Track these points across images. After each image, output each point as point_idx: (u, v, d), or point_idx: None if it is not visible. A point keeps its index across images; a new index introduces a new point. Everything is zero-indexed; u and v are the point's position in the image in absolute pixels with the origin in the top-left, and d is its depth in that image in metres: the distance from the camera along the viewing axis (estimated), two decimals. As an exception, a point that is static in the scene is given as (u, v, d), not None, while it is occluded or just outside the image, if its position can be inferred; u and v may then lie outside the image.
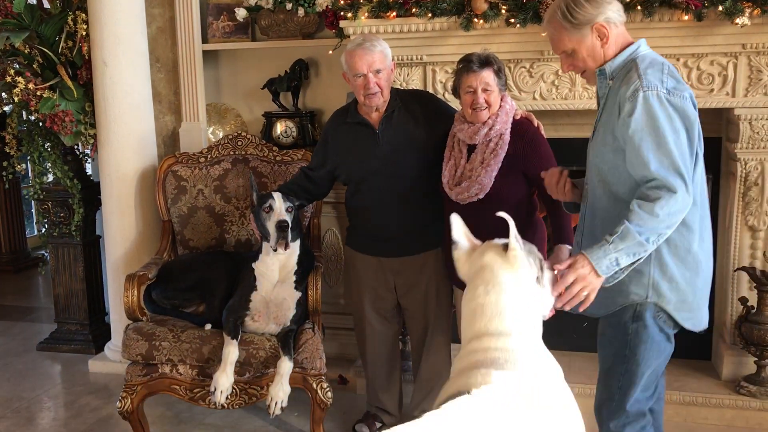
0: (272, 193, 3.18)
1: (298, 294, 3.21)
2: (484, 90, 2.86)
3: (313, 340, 3.16)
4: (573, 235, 2.86)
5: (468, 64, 2.88)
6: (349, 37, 3.64)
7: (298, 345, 3.14)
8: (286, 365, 3.06)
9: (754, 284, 3.37)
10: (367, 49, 2.97)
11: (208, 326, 3.22)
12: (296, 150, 3.92)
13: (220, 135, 4.44)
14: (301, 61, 4.24)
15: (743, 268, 3.40)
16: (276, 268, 3.20)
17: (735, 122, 3.36)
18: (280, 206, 3.10)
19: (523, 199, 2.96)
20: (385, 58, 3.02)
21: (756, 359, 3.39)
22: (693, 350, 3.78)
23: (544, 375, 1.82)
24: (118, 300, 4.08)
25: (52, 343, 4.54)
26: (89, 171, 4.69)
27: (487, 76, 2.86)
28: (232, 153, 3.87)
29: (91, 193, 4.40)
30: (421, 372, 3.30)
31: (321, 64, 4.30)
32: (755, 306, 3.39)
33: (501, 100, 2.94)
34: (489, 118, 2.90)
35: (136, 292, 3.21)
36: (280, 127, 4.26)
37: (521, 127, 2.95)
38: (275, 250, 3.11)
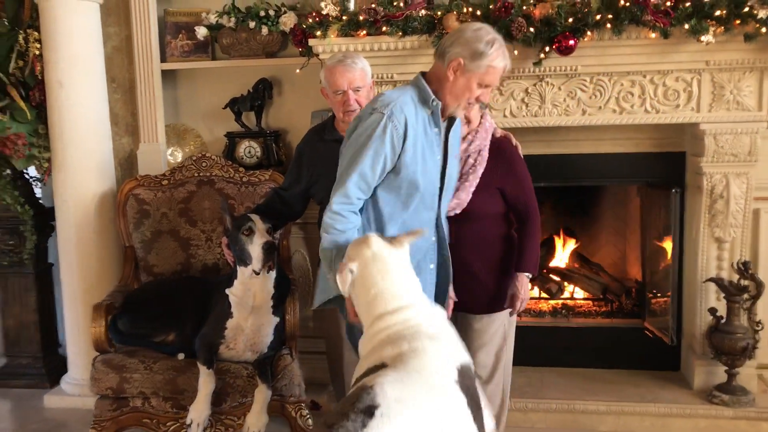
0: (249, 215, 3.08)
1: (276, 319, 3.12)
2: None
3: (292, 367, 3.08)
4: (536, 262, 2.89)
5: None
6: (317, 55, 3.59)
7: (276, 371, 3.05)
8: (264, 393, 2.96)
9: (723, 295, 3.44)
10: (348, 66, 2.94)
11: (181, 356, 3.10)
12: (263, 170, 3.83)
13: (180, 157, 4.31)
14: (264, 80, 4.16)
15: (712, 279, 3.47)
16: (252, 294, 3.10)
17: (700, 137, 3.44)
18: (261, 228, 3.01)
19: (498, 215, 2.96)
20: (365, 76, 2.99)
21: (727, 368, 3.46)
22: (662, 362, 3.84)
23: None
24: (76, 331, 3.90)
25: (2, 378, 4.30)
26: (39, 196, 4.49)
27: None
28: (196, 175, 3.75)
29: (43, 219, 4.21)
30: None
31: (284, 83, 4.24)
32: (724, 316, 3.45)
33: (481, 117, 2.94)
34: (468, 134, 2.90)
35: (103, 322, 3.07)
36: (242, 148, 4.17)
37: (500, 146, 2.95)
38: (257, 273, 3.01)
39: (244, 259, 3.04)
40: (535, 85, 3.50)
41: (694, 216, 3.60)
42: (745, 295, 3.38)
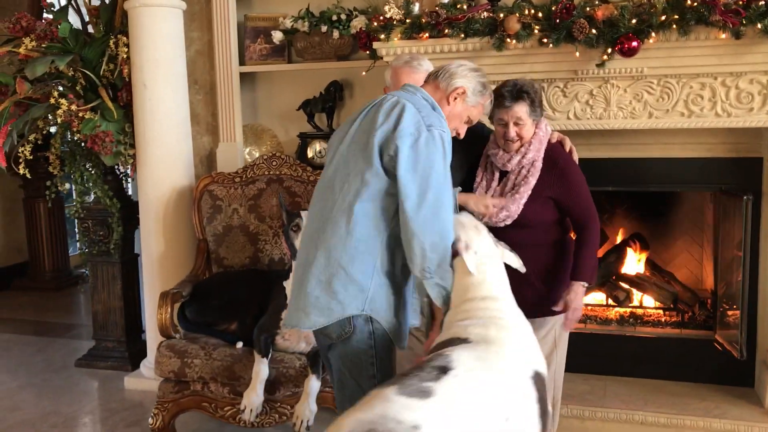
0: (299, 212, 3.20)
1: (328, 312, 3.20)
2: (516, 124, 2.83)
3: (343, 360, 3.15)
4: (592, 271, 2.84)
5: (500, 99, 2.82)
6: (382, 58, 3.67)
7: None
8: (313, 384, 3.06)
9: (797, 310, 3.27)
10: (414, 68, 2.98)
11: (240, 344, 3.24)
12: (330, 170, 3.94)
13: (257, 155, 4.49)
14: (335, 83, 4.28)
15: (784, 293, 3.30)
16: (306, 287, 3.21)
17: (777, 142, 3.29)
18: None
19: (552, 223, 2.93)
20: None
21: (801, 387, 3.28)
22: (733, 377, 3.68)
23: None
24: (154, 318, 4.14)
25: (89, 359, 4.62)
26: (129, 191, 4.79)
27: (520, 110, 2.81)
28: (266, 173, 3.91)
29: (130, 212, 4.48)
30: None
31: (355, 85, 4.34)
32: (798, 332, 3.28)
33: (536, 126, 2.91)
34: (522, 146, 2.88)
35: (169, 309, 3.25)
36: (314, 148, 4.30)
37: (554, 154, 2.91)
38: None
39: (294, 252, 3.16)
40: (600, 87, 3.43)
41: (764, 225, 3.44)
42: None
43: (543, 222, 2.91)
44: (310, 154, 4.29)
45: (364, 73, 3.94)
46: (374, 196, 2.29)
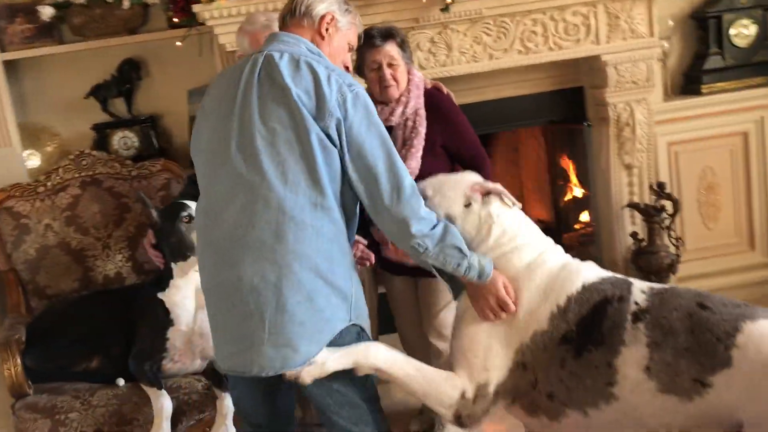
0: (181, 201, 2.71)
1: (224, 319, 2.76)
2: (390, 65, 2.71)
3: (251, 368, 2.75)
4: None
5: (370, 39, 2.67)
6: (203, 23, 3.21)
7: (234, 377, 2.72)
8: (228, 404, 2.63)
9: (643, 218, 3.57)
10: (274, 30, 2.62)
11: (121, 381, 2.67)
12: (152, 161, 3.40)
13: (39, 160, 3.72)
14: (130, 61, 3.68)
15: (631, 205, 3.59)
16: (192, 293, 2.73)
17: (602, 69, 3.52)
18: None
19: None
20: None
21: (654, 287, 3.61)
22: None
23: None
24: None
25: None
26: None
27: (391, 49, 2.71)
28: (77, 176, 3.25)
29: None
30: None
31: (151, 63, 3.77)
32: (646, 238, 3.59)
33: (408, 73, 2.78)
34: (401, 95, 2.73)
35: (18, 361, 2.56)
36: (116, 139, 3.68)
37: (434, 99, 2.82)
38: None
39: (183, 251, 2.67)
40: (440, 33, 3.38)
41: (602, 147, 3.70)
42: (663, 215, 3.53)
43: None
44: (114, 145, 3.66)
45: (179, 43, 3.43)
46: (332, 179, 1.91)
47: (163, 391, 2.58)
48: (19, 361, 2.57)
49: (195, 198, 2.73)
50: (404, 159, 2.69)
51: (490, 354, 1.99)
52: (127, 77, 3.67)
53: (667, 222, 3.55)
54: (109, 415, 2.56)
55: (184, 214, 2.68)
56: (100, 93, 3.66)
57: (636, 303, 1.92)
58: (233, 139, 1.91)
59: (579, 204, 3.91)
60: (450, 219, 2.04)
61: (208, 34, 3.47)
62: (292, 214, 1.85)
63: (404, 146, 2.74)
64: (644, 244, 3.59)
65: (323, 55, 2.03)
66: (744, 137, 3.85)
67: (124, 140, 3.67)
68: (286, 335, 1.85)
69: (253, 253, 1.86)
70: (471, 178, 2.20)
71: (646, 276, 3.58)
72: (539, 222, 4.08)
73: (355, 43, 2.23)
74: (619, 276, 2.05)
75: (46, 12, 3.51)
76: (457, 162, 2.83)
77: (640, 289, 1.97)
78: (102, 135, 3.68)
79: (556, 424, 1.99)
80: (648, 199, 3.66)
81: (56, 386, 2.69)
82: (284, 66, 1.92)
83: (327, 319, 1.89)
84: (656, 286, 2.01)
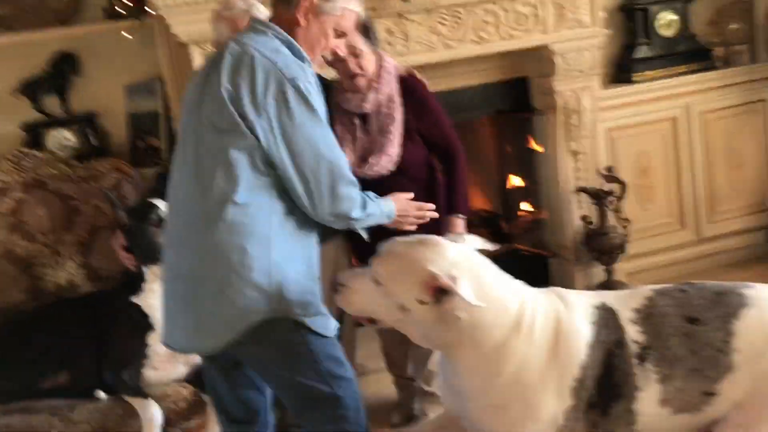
0: (150, 201, 2.54)
1: (207, 319, 2.62)
2: (354, 55, 2.63)
3: (238, 369, 2.63)
4: (467, 202, 2.82)
5: None
6: (155, 12, 3.05)
7: (222, 380, 2.58)
8: (220, 408, 2.50)
9: (593, 201, 3.71)
10: (256, 16, 2.51)
11: (101, 394, 2.48)
12: (101, 160, 3.19)
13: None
14: (64, 54, 3.42)
15: (582, 189, 3.72)
16: (170, 296, 2.57)
17: (550, 58, 3.62)
18: None
19: (425, 162, 2.82)
20: None
21: (605, 267, 3.75)
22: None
23: None
24: None
25: None
26: None
27: (352, 39, 2.59)
28: (19, 178, 3.00)
29: None
30: None
31: (84, 57, 3.52)
32: (596, 221, 3.73)
33: (381, 59, 2.74)
34: (372, 82, 2.69)
35: (-13, 380, 2.32)
36: (52, 139, 3.41)
37: (409, 85, 2.80)
38: None
39: (155, 254, 2.50)
40: (396, 23, 3.37)
41: (549, 135, 3.81)
42: (611, 198, 3.67)
43: (417, 162, 2.78)
44: (48, 146, 3.39)
45: (126, 34, 3.23)
46: (256, 176, 1.92)
47: (150, 400, 2.42)
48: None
49: (161, 195, 2.61)
50: (383, 146, 2.67)
51: None
52: (61, 72, 3.41)
53: (615, 204, 3.70)
54: (93, 431, 2.36)
55: (153, 216, 2.53)
56: (31, 89, 3.38)
57: (635, 342, 1.85)
58: (183, 131, 2.02)
59: (527, 192, 4.00)
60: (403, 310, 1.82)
61: (151, 25, 3.30)
62: (208, 208, 1.90)
63: (381, 133, 2.70)
64: (594, 226, 3.72)
65: (293, 43, 1.99)
66: (673, 122, 4.07)
67: (61, 140, 3.41)
68: (204, 322, 1.93)
69: (184, 243, 1.95)
70: (429, 256, 1.79)
71: (597, 256, 3.73)
72: (487, 212, 4.19)
73: (347, 28, 2.18)
74: (600, 304, 1.90)
75: (-32, 1, 3.21)
76: (431, 150, 2.82)
77: (628, 318, 1.88)
78: (35, 135, 3.40)
79: None
80: (593, 183, 3.80)
81: (25, 406, 2.46)
82: (228, 62, 1.91)
83: (239, 310, 1.90)
84: (635, 302, 1.90)
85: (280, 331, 1.94)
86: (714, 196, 4.20)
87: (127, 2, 3.11)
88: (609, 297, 1.94)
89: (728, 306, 1.88)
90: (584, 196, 3.78)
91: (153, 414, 2.38)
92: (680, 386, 1.84)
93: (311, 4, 1.99)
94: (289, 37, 1.99)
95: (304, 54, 2.00)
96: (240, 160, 1.87)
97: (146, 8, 3.07)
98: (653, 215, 4.09)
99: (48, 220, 2.96)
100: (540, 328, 1.81)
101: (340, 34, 2.15)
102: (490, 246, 1.98)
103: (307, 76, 1.94)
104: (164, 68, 3.43)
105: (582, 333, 1.83)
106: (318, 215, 1.96)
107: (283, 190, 1.94)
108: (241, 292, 1.88)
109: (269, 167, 1.90)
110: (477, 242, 1.95)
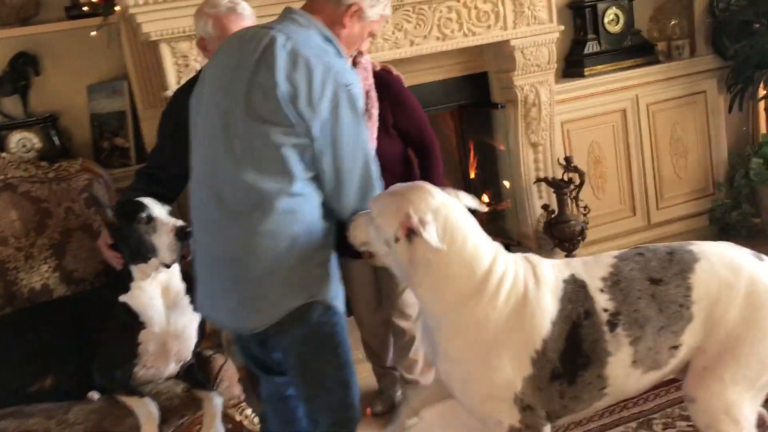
0: (137, 200, 2.52)
1: (197, 316, 2.63)
2: None
3: (229, 365, 2.65)
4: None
5: None
6: (125, 10, 3.02)
7: (214, 375, 2.60)
8: (216, 402, 2.50)
9: (553, 190, 3.86)
10: (240, 14, 2.57)
11: (96, 394, 2.45)
12: (70, 161, 3.13)
13: None
14: (24, 54, 3.35)
15: (542, 179, 3.87)
16: (159, 293, 2.57)
17: (510, 53, 3.75)
18: (161, 212, 2.49)
19: (401, 157, 2.89)
20: (254, 22, 2.62)
21: (566, 253, 3.91)
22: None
23: None
24: None
25: None
26: None
27: None
28: (-12, 181, 2.91)
29: None
30: None
31: (43, 56, 3.45)
32: (556, 209, 3.88)
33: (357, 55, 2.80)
34: None
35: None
36: (14, 141, 3.34)
37: (384, 80, 2.86)
38: (168, 266, 2.50)
39: (144, 253, 2.50)
40: (363, 20, 3.42)
41: (510, 128, 3.94)
42: (571, 187, 3.83)
43: (394, 157, 2.84)
44: (12, 148, 3.31)
45: (94, 33, 3.18)
46: (306, 170, 2.01)
47: (147, 398, 2.41)
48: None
49: (146, 192, 2.61)
50: None
51: (498, 409, 1.97)
52: (23, 73, 3.34)
53: (574, 193, 3.85)
54: (90, 432, 2.34)
55: (143, 215, 2.51)
56: (-9, 90, 3.30)
57: (605, 310, 1.94)
58: (222, 117, 2.00)
59: (488, 182, 4.12)
60: (388, 245, 1.97)
61: (116, 24, 3.27)
62: (263, 198, 1.96)
63: None
64: (554, 214, 3.87)
65: (334, 41, 2.06)
66: (623, 114, 4.27)
67: (24, 142, 3.34)
68: (250, 304, 2.03)
69: (228, 229, 2.00)
70: (412, 198, 1.93)
71: (559, 243, 3.88)
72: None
73: (377, 32, 2.29)
74: (569, 277, 1.99)
75: (-76, 1, 3.11)
76: (407, 144, 2.89)
77: (597, 288, 1.97)
78: (-5, 137, 3.32)
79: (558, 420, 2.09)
80: (552, 173, 3.95)
81: (15, 410, 2.41)
82: (282, 59, 1.94)
83: (284, 293, 2.01)
84: (603, 273, 2.00)
85: (315, 314, 2.03)
86: (661, 184, 4.42)
87: (93, 1, 3.04)
88: (578, 267, 2.03)
89: (682, 263, 2.02)
90: (544, 186, 3.92)
91: (151, 411, 2.37)
92: (650, 345, 1.97)
93: (359, 9, 2.07)
94: (332, 35, 2.06)
95: (342, 52, 2.08)
96: (292, 155, 1.95)
97: (115, 7, 3.02)
98: (606, 203, 4.28)
99: (20, 223, 2.89)
100: (505, 294, 1.91)
101: (372, 35, 2.26)
102: (480, 207, 2.11)
103: (357, 81, 2.03)
104: (130, 67, 3.39)
105: (547, 310, 1.93)
106: (341, 211, 2.05)
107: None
108: (287, 277, 1.99)
109: (314, 162, 1.98)
110: (469, 200, 2.07)
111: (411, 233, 1.87)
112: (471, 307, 1.91)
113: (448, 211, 1.92)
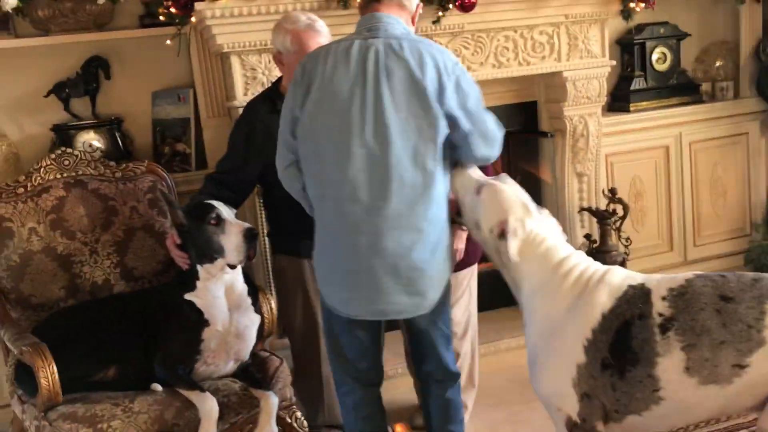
0: (208, 202, 2.63)
1: (259, 318, 2.72)
2: None
3: (284, 368, 2.73)
4: None
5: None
6: (200, 22, 3.15)
7: (269, 376, 2.68)
8: (273, 401, 2.59)
9: (597, 221, 3.92)
10: (318, 31, 2.68)
11: (158, 387, 2.53)
12: (136, 162, 3.24)
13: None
14: (98, 58, 3.48)
15: (586, 209, 3.94)
16: (223, 294, 2.66)
17: (562, 84, 3.84)
18: (230, 214, 2.60)
19: None
20: (329, 41, 2.74)
21: (606, 284, 3.95)
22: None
23: None
24: None
25: None
26: None
27: None
28: (60, 176, 3.03)
29: None
30: None
31: (113, 62, 3.58)
32: (598, 239, 3.94)
33: None
34: None
35: (54, 367, 2.36)
36: (80, 142, 3.46)
37: None
38: (234, 267, 2.60)
39: (211, 253, 2.60)
40: (423, 44, 3.53)
41: (557, 157, 4.02)
42: (614, 218, 3.90)
43: None
44: (77, 148, 3.42)
45: (169, 42, 3.30)
46: (445, 153, 2.30)
47: (207, 393, 2.49)
48: (55, 367, 2.36)
49: (214, 197, 2.71)
50: None
51: (559, 392, 2.18)
52: (94, 76, 3.47)
53: (617, 224, 3.92)
54: (152, 422, 2.41)
55: (212, 216, 2.61)
56: (64, 91, 3.43)
57: (660, 314, 2.05)
58: (368, 125, 2.20)
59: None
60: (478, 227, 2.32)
61: (185, 34, 3.39)
62: (421, 189, 2.23)
63: None
64: (596, 244, 3.93)
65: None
66: (666, 150, 4.35)
67: (90, 143, 3.46)
68: (418, 287, 2.27)
69: (390, 223, 2.20)
70: (515, 209, 2.24)
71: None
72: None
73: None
74: (638, 284, 2.15)
75: (10, 3, 3.24)
76: None
77: (660, 296, 2.09)
78: (64, 137, 3.44)
79: (618, 426, 2.18)
80: (595, 204, 4.02)
81: (82, 396, 2.50)
82: (410, 58, 2.18)
83: (444, 270, 2.35)
84: (674, 284, 2.10)
85: (448, 286, 2.42)
86: (699, 221, 4.48)
87: (171, 11, 3.16)
88: (654, 279, 2.18)
89: (764, 289, 2.07)
90: (587, 216, 3.99)
91: (212, 407, 2.44)
92: (707, 356, 2.02)
93: (420, 6, 2.44)
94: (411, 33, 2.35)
95: None
96: (439, 146, 2.23)
97: (191, 18, 3.15)
98: (644, 237, 4.34)
99: (87, 219, 2.99)
100: (568, 287, 2.19)
101: None
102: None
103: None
104: (196, 76, 3.51)
105: (599, 304, 2.13)
106: (487, 158, 2.41)
107: None
108: (443, 257, 2.32)
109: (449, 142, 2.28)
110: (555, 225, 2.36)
111: (502, 234, 2.20)
112: (541, 296, 2.21)
113: (542, 228, 2.26)
